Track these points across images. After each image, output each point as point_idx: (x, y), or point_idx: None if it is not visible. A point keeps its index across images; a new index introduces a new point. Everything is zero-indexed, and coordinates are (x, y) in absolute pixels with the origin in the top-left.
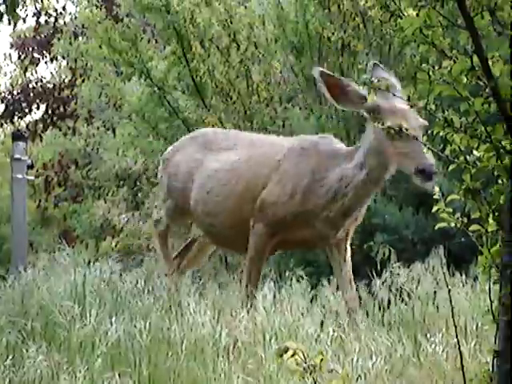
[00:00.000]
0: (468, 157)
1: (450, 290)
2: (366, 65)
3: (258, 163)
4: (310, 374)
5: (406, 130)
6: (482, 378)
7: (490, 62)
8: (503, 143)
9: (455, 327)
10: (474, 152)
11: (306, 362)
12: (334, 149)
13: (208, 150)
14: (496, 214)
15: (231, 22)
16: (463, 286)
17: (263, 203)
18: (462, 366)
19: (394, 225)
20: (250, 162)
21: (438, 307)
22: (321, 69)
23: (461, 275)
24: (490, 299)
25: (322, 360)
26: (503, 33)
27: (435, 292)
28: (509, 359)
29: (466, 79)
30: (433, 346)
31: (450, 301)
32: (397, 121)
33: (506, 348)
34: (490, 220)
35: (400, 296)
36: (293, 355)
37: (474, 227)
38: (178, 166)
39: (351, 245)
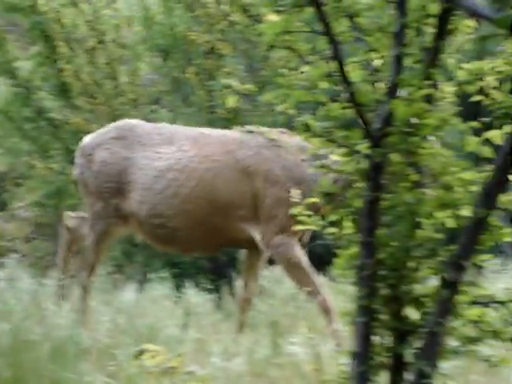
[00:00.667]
0: (325, 161)
1: (305, 293)
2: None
3: (215, 162)
4: (169, 375)
5: None
6: (339, 378)
7: (348, 68)
8: (360, 147)
9: (309, 329)
10: (332, 156)
11: (165, 364)
12: (296, 142)
13: (140, 145)
14: (353, 216)
15: (98, 23)
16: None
17: (267, 210)
18: (318, 367)
19: None
20: (205, 160)
21: (299, 308)
22: None
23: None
24: (347, 301)
25: (180, 361)
26: (361, 39)
27: (298, 293)
28: (365, 360)
29: (324, 84)
30: (293, 346)
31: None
32: None
33: (362, 349)
34: (347, 222)
35: (262, 297)
36: (152, 357)
37: (331, 230)
38: (105, 164)
39: None
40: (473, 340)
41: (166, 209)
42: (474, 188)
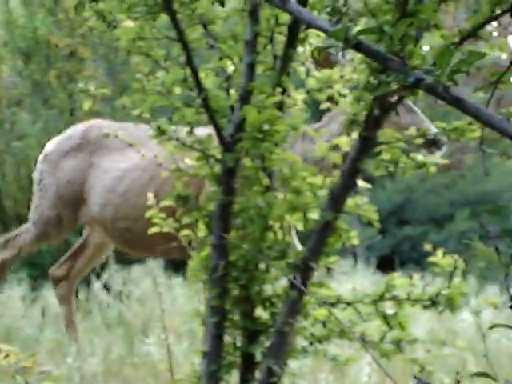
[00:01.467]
0: (180, 164)
1: (160, 293)
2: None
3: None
4: (21, 375)
5: None
6: (191, 378)
7: (202, 74)
8: (213, 152)
9: (165, 328)
10: (186, 160)
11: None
12: None
13: (105, 148)
14: (207, 219)
15: None
16: (181, 288)
17: None
18: (171, 366)
19: None
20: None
21: (154, 309)
22: None
23: (181, 278)
24: (200, 301)
25: (34, 361)
26: (214, 46)
27: (155, 294)
28: (217, 359)
29: (178, 90)
30: (147, 346)
31: (161, 302)
32: None
33: (214, 349)
34: (201, 225)
35: (119, 297)
36: (5, 357)
37: (184, 232)
38: (71, 173)
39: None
40: (321, 339)
41: (130, 211)
42: (323, 192)
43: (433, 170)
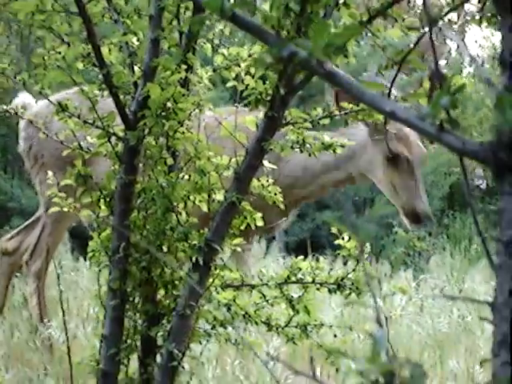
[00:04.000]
0: (82, 143)
1: (58, 275)
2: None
3: None
4: None
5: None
6: (91, 361)
7: (106, 50)
8: (115, 130)
9: (63, 312)
10: (88, 138)
11: None
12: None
13: None
14: (107, 199)
15: None
16: (87, 270)
17: None
18: (69, 349)
19: (32, 209)
20: None
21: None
22: None
23: (85, 260)
24: (99, 284)
25: None
26: (118, 21)
27: (58, 276)
28: (116, 343)
29: (80, 65)
30: (50, 330)
31: (59, 285)
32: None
33: (113, 332)
34: (102, 205)
35: (23, 279)
36: None
37: (84, 212)
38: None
39: None
40: (224, 323)
41: None
42: (228, 173)
43: (339, 151)
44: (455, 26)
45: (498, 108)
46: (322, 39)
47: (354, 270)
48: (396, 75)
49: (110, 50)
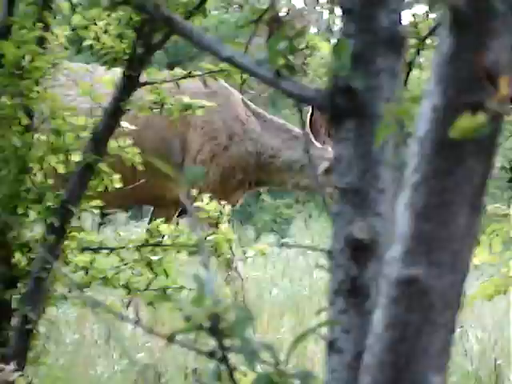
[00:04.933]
0: None
1: None
2: None
3: None
4: None
5: None
6: None
7: None
8: None
9: None
10: None
11: None
12: None
13: None
14: None
15: None
16: None
17: None
18: None
19: None
20: None
21: None
22: None
23: None
24: None
25: None
26: None
27: None
28: None
29: None
30: None
31: None
32: None
33: None
34: None
35: None
36: None
37: None
38: None
39: None
40: (81, 286)
41: None
42: (85, 133)
43: (199, 112)
44: None
45: (335, 53)
46: None
47: (213, 233)
48: (254, 33)
49: None
